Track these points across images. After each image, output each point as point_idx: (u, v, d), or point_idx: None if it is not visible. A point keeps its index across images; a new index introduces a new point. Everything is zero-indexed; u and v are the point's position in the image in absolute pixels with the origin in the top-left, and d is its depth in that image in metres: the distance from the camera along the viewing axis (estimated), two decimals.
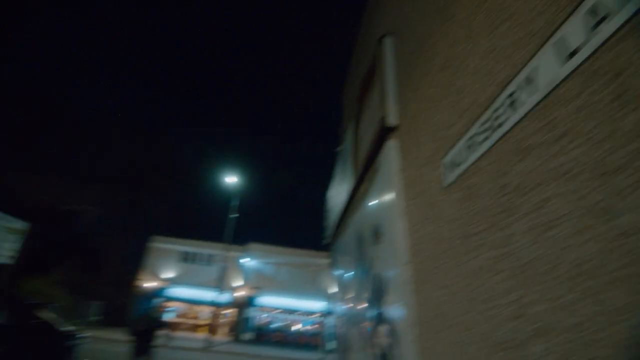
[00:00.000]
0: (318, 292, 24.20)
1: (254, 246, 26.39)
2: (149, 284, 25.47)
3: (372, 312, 2.89)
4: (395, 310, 2.31)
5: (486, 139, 1.39)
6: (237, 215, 21.26)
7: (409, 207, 2.24)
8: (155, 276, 25.80)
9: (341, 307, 4.97)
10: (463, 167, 1.54)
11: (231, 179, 20.97)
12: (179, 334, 23.94)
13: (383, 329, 2.54)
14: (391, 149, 2.52)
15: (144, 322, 6.02)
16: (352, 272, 3.98)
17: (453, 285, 1.61)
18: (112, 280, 25.44)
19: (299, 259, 26.26)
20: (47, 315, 5.06)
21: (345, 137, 4.75)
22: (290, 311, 24.96)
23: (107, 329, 20.06)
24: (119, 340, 14.84)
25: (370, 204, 3.31)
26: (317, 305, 23.56)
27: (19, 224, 11.07)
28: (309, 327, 24.94)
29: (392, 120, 2.54)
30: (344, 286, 4.69)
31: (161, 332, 6.30)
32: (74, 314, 13.12)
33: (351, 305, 4.02)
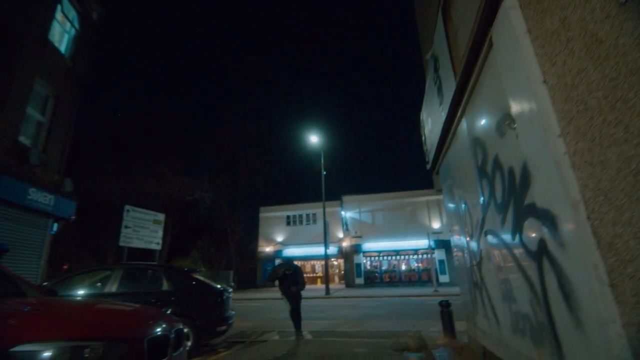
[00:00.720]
0: (419, 229, 24.08)
1: (348, 198, 27.18)
2: (266, 249, 28.73)
3: (512, 213, 2.59)
4: (549, 196, 1.99)
5: None
6: (324, 172, 21.83)
7: (554, 66, 1.82)
8: (269, 241, 28.93)
9: (462, 229, 4.70)
10: None
11: (316, 138, 21.36)
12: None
13: (532, 225, 2.25)
14: (509, 11, 2.05)
15: (282, 268, 6.71)
16: (471, 183, 3.66)
17: None
18: (237, 251, 29.51)
19: (394, 201, 26.20)
20: (201, 277, 6.05)
21: (435, 37, 4.19)
22: (396, 252, 25.53)
23: (241, 291, 23.67)
24: (251, 298, 17.50)
25: (487, 94, 2.88)
26: (420, 242, 23.57)
27: (160, 217, 13.34)
28: (416, 265, 25.30)
29: None
30: (462, 205, 4.38)
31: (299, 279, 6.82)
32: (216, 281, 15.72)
33: (477, 220, 3.73)
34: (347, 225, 26.40)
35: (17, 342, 1.69)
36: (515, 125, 2.29)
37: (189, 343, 5.09)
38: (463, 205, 4.24)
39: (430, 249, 20.89)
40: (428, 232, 21.32)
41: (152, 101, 50.74)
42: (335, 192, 30.68)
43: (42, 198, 7.67)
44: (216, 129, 28.90)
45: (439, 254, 23.94)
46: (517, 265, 2.55)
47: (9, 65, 7.74)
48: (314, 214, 28.43)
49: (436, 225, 24.81)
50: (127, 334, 2.09)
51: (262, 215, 30.01)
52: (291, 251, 27.97)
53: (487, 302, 3.50)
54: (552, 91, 1.87)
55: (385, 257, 25.93)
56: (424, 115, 6.05)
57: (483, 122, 3.03)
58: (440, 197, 24.48)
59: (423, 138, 6.37)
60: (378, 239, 25.59)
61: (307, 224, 28.75)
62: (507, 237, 2.70)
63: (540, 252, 2.15)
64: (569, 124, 1.72)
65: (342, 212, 26.75)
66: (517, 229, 2.47)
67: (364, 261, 25.96)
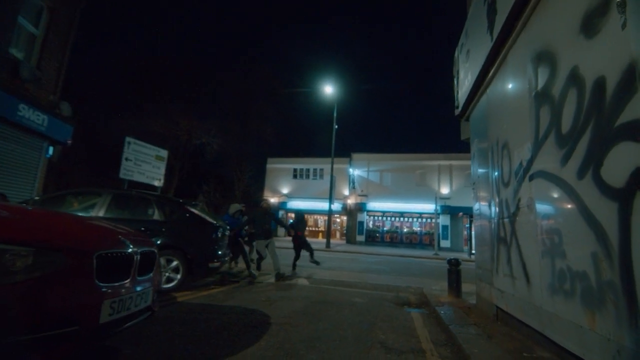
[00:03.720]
0: (427, 193, 23.59)
1: (357, 156, 26.51)
2: (271, 200, 28.73)
3: (586, 142, 1.96)
4: None
5: None
6: (336, 126, 20.92)
7: None
8: (275, 192, 28.86)
9: (490, 181, 4.10)
10: None
11: (329, 90, 20.12)
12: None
13: (623, 151, 1.64)
14: None
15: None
16: (518, 119, 2.99)
17: None
18: (242, 199, 29.62)
19: (404, 162, 25.51)
20: (198, 211, 5.67)
21: None
22: (400, 214, 25.34)
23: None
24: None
25: None
26: (426, 206, 23.24)
27: (163, 153, 12.90)
28: (419, 228, 25.21)
29: None
30: (497, 150, 3.74)
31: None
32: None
33: (519, 163, 3.12)
34: (354, 183, 25.99)
35: None
36: (627, 8, 1.58)
37: (179, 276, 4.81)
38: (499, 151, 3.59)
39: (436, 214, 20.52)
40: (436, 197, 20.81)
41: (164, 40, 48.54)
42: (345, 149, 29.99)
43: (34, 117, 7.18)
44: (228, 73, 27.55)
45: (444, 220, 23.66)
46: (581, 209, 1.97)
47: None
48: (321, 169, 27.96)
49: (445, 190, 24.23)
50: (68, 244, 1.62)
51: (269, 166, 29.66)
52: (296, 204, 27.94)
53: (517, 259, 2.99)
54: None
55: (388, 218, 25.80)
56: (461, 51, 5.18)
57: (559, 27, 2.28)
58: (453, 162, 23.88)
59: (455, 80, 5.54)
60: (384, 199, 25.27)
61: (313, 179, 28.40)
62: (569, 175, 2.09)
63: (631, 187, 1.56)
64: None
65: (350, 170, 26.21)
66: (593, 160, 1.86)
67: (367, 219, 25.89)
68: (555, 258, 2.30)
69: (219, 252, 5.35)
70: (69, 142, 8.32)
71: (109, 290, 1.73)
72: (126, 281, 1.89)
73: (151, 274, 2.21)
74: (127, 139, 10.73)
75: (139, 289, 2.00)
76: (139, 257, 2.01)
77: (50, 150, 8.05)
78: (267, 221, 6.83)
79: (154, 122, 23.21)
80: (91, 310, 1.60)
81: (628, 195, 1.58)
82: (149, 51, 27.01)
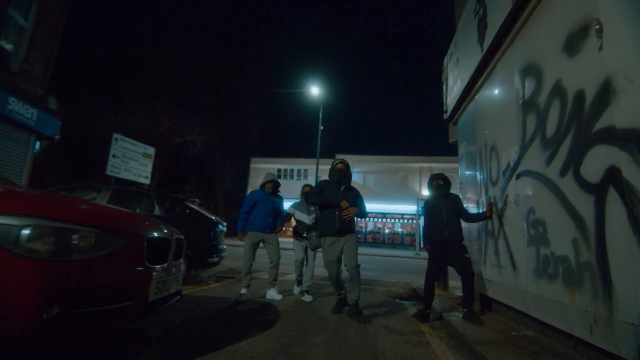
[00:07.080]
0: (409, 194, 24.29)
1: (341, 157, 26.87)
2: None
3: (568, 145, 2.29)
4: None
5: None
6: (322, 127, 21.16)
7: None
8: None
9: (478, 181, 4.46)
10: None
11: (316, 90, 20.32)
12: (286, 238, 27.56)
13: (599, 153, 1.96)
14: None
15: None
16: (506, 125, 3.34)
17: None
18: (225, 198, 29.37)
19: (387, 164, 26.13)
20: (196, 207, 5.78)
21: None
22: (382, 214, 25.92)
23: (226, 238, 23.80)
24: (238, 245, 17.60)
25: (558, 7, 2.46)
26: (408, 207, 23.90)
27: (150, 150, 12.80)
28: (401, 229, 25.88)
29: None
30: (485, 153, 4.09)
31: None
32: None
33: (507, 164, 3.46)
34: None
35: None
36: (603, 34, 1.91)
37: None
38: (487, 153, 3.95)
39: (418, 215, 21.17)
40: (418, 198, 21.46)
41: (146, 32, 47.34)
42: (329, 150, 30.31)
43: (23, 110, 7.04)
44: (213, 68, 27.21)
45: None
46: (563, 203, 2.30)
47: None
48: (305, 170, 28.20)
49: (426, 192, 24.98)
50: (124, 227, 1.78)
51: (252, 165, 29.64)
52: None
53: (504, 249, 3.33)
54: None
55: (371, 219, 26.33)
56: (450, 59, 5.56)
57: (544, 44, 2.62)
58: (433, 164, 24.66)
59: (444, 86, 5.92)
60: (366, 201, 24.89)
61: (297, 179, 28.56)
62: (553, 173, 2.42)
63: (605, 183, 1.88)
64: None
65: None
66: (573, 161, 2.19)
67: None
68: (540, 246, 2.63)
69: (219, 247, 5.50)
70: (57, 137, 8.17)
71: (155, 272, 1.90)
72: (165, 264, 2.06)
73: (181, 260, 2.38)
74: (115, 135, 10.59)
75: (173, 272, 2.17)
76: (175, 242, 2.18)
77: (37, 145, 7.89)
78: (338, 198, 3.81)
79: (135, 119, 22.72)
80: (143, 288, 1.77)
81: (603, 189, 1.91)
82: (131, 45, 26.38)
